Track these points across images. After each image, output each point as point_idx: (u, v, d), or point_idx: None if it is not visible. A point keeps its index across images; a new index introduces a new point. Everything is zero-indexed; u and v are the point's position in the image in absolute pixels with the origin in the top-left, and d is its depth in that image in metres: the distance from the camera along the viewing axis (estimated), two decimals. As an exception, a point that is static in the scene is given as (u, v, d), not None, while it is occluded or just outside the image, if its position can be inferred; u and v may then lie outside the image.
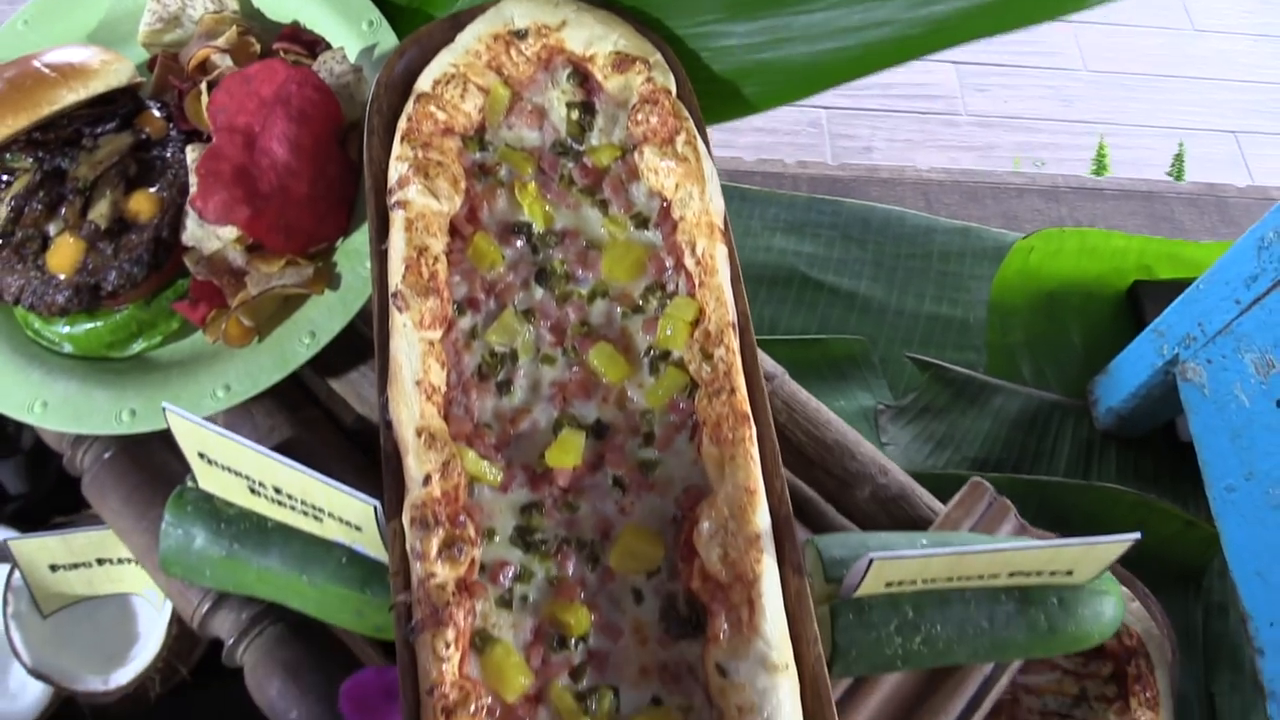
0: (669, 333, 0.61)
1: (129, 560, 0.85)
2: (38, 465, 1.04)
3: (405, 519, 0.55)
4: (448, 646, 0.53)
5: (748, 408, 0.57)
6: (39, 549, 0.83)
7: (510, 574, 0.57)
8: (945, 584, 0.57)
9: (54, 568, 0.85)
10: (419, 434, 0.56)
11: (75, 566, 0.85)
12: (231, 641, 0.64)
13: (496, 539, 0.58)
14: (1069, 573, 0.56)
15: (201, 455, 0.59)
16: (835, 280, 1.21)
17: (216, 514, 0.62)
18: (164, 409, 0.57)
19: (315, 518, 0.60)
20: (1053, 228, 1.22)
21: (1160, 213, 1.28)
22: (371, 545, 0.59)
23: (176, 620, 0.86)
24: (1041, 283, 1.19)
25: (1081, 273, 1.21)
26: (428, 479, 0.55)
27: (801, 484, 0.71)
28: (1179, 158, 1.98)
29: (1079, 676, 0.94)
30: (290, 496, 0.59)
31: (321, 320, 0.68)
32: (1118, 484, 1.09)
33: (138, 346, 0.71)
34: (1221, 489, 0.93)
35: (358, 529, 0.58)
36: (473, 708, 0.52)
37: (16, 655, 0.86)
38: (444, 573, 0.54)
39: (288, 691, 0.62)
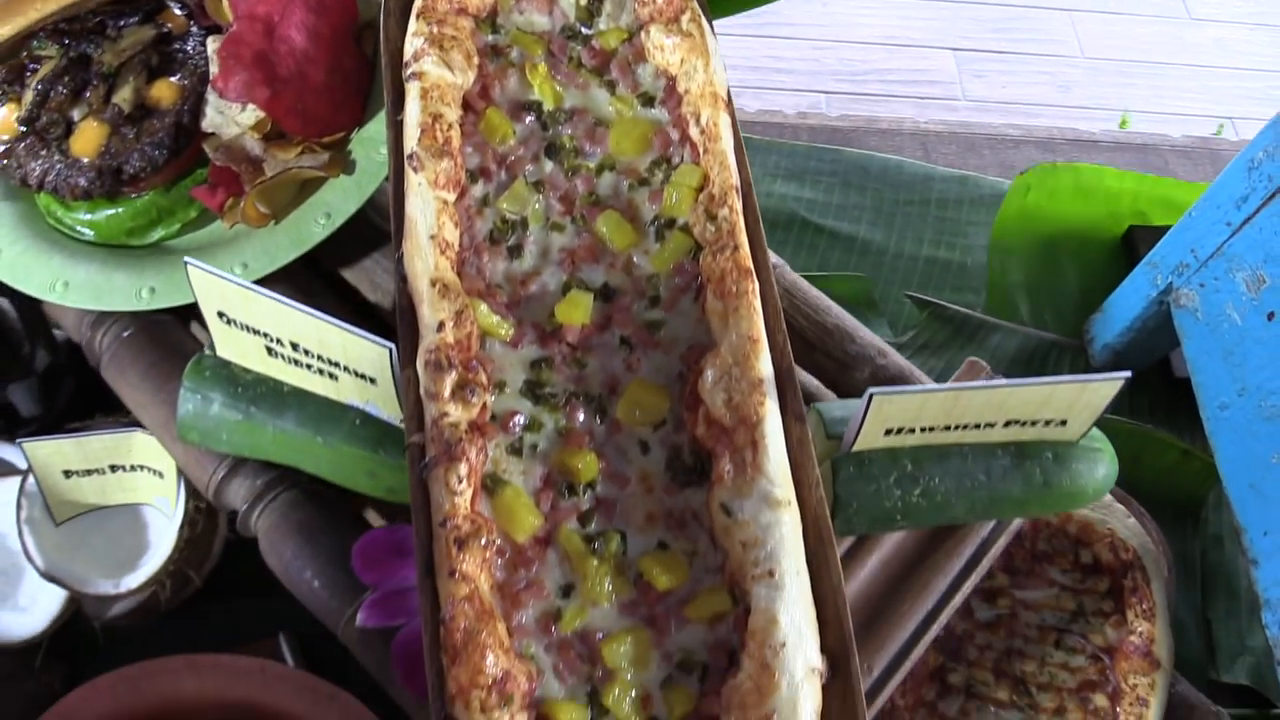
0: (674, 200, 0.63)
1: (141, 467, 0.86)
2: (51, 387, 1.06)
3: (419, 363, 0.57)
4: (460, 481, 0.54)
5: (750, 263, 0.59)
6: (54, 453, 0.85)
7: (520, 423, 0.58)
8: (943, 437, 0.59)
9: (68, 474, 0.87)
10: (433, 284, 0.58)
11: (89, 473, 0.87)
12: (246, 508, 0.65)
13: (507, 390, 0.59)
14: (1063, 423, 0.58)
15: (221, 315, 0.61)
16: (835, 225, 1.23)
17: (234, 379, 0.64)
18: (185, 263, 0.58)
19: (330, 375, 0.61)
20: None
21: (1154, 164, 1.30)
22: (385, 402, 0.61)
23: (188, 524, 0.87)
24: (1039, 225, 1.21)
25: (1078, 217, 1.23)
26: (441, 326, 0.57)
27: (802, 371, 0.72)
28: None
29: (1076, 592, 0.96)
30: (307, 353, 0.60)
31: (337, 202, 0.70)
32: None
33: (157, 234, 0.73)
34: (1215, 408, 0.95)
35: (372, 381, 0.60)
36: (483, 541, 0.54)
37: (30, 559, 0.88)
38: (456, 413, 0.56)
39: (302, 553, 0.63)
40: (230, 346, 0.64)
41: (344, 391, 0.62)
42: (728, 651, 0.55)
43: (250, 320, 0.60)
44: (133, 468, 0.87)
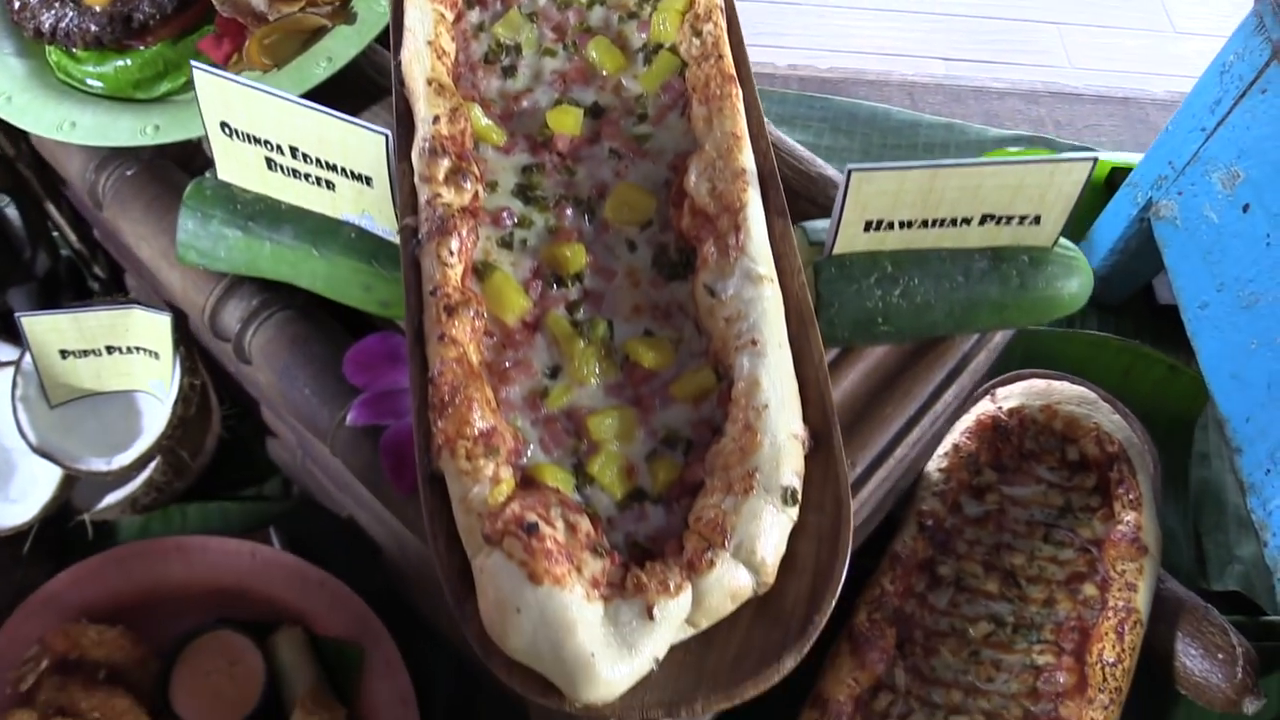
0: (662, 25, 0.65)
1: (138, 349, 0.87)
2: (50, 293, 1.08)
3: (414, 151, 0.58)
4: (451, 254, 0.56)
5: (734, 70, 0.62)
6: (50, 329, 0.86)
7: (511, 219, 0.60)
8: (922, 238, 0.61)
9: (64, 354, 0.88)
10: (429, 83, 0.60)
11: (85, 354, 0.88)
12: (240, 328, 0.66)
13: (498, 190, 0.61)
14: (1036, 220, 0.60)
15: (224, 127, 0.63)
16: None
17: (233, 197, 0.66)
18: (190, 65, 0.61)
19: (328, 185, 0.63)
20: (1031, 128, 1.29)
21: (1136, 115, 1.34)
22: (381, 210, 0.63)
23: (181, 401, 0.88)
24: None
25: (1061, 162, 1.26)
26: (436, 119, 0.59)
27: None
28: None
29: (1064, 489, 0.96)
30: (305, 158, 0.62)
31: (338, 48, 0.72)
32: (1101, 339, 1.12)
33: (163, 87, 0.76)
34: (1196, 309, 0.97)
35: (369, 183, 0.61)
36: (472, 312, 0.55)
37: (22, 435, 0.88)
38: (449, 195, 0.57)
39: (294, 363, 0.64)
40: (231, 166, 0.66)
41: (340, 204, 0.64)
42: (712, 428, 0.56)
43: (252, 127, 0.62)
44: (129, 350, 0.88)
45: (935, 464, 0.95)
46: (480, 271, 0.58)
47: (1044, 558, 0.94)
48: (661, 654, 0.50)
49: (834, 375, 0.63)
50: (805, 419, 0.55)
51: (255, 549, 0.90)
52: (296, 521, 0.98)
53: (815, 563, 0.53)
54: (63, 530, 0.97)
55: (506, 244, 0.60)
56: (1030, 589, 0.93)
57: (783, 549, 0.52)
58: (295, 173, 0.64)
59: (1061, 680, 0.88)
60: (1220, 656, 0.91)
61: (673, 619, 0.50)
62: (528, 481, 0.53)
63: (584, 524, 0.51)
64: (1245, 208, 0.90)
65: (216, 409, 0.98)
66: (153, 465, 0.92)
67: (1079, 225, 1.19)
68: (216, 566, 0.90)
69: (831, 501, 0.53)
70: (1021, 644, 0.91)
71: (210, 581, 0.90)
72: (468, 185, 0.58)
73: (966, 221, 0.60)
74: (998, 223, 0.60)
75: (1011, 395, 0.97)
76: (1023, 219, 0.60)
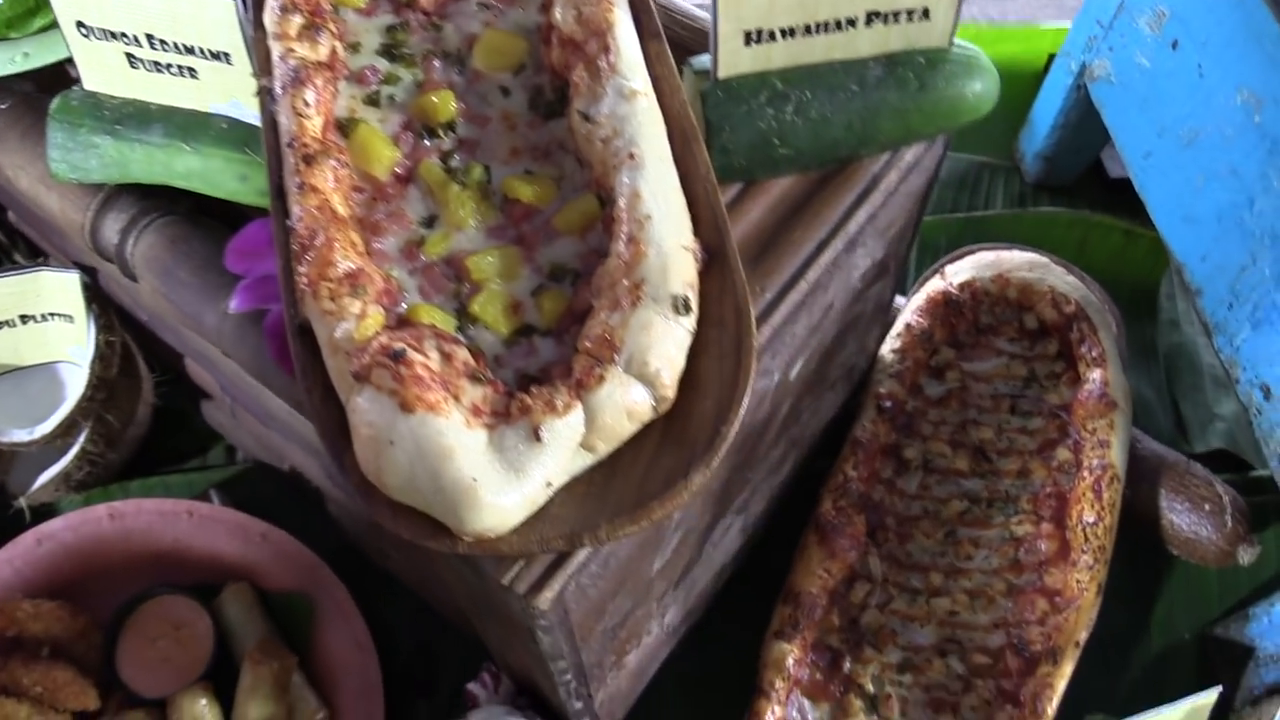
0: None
1: (52, 315, 0.85)
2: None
3: (265, 13, 0.56)
4: (308, 105, 0.53)
5: (596, -97, 0.59)
6: (-39, 302, 0.83)
7: (376, 76, 0.57)
8: (809, 50, 0.58)
9: (-22, 330, 0.85)
10: (277, -53, 0.57)
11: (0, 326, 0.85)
12: (120, 240, 0.64)
13: (362, 51, 0.58)
14: (925, 14, 0.57)
15: (80, 27, 0.61)
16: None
17: (100, 105, 0.63)
18: (33, -40, 0.58)
19: (191, 73, 0.61)
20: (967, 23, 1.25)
21: (1072, 5, 1.31)
22: (247, 94, 0.60)
23: (99, 360, 0.85)
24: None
25: (998, 55, 1.23)
26: (286, -20, 0.56)
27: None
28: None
29: (1026, 359, 0.93)
30: (163, 44, 0.60)
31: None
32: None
33: (36, 23, 0.73)
34: (1141, 161, 0.93)
35: (228, 60, 0.59)
36: (333, 162, 0.52)
37: (-57, 414, 0.85)
38: (304, 50, 0.55)
39: (175, 264, 0.62)
40: (95, 73, 0.63)
41: (207, 94, 0.62)
42: (600, 257, 0.52)
43: (105, 20, 0.60)
44: (43, 317, 0.85)
45: (889, 345, 0.92)
46: (345, 127, 0.55)
47: (1013, 429, 0.90)
48: (556, 480, 0.47)
49: (740, 208, 0.60)
50: (697, 235, 0.52)
51: (192, 507, 0.87)
52: (240, 484, 0.95)
53: (719, 378, 0.49)
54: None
55: (373, 101, 0.57)
56: (1002, 462, 0.89)
57: (680, 362, 0.49)
58: (157, 65, 0.61)
59: (1043, 548, 0.84)
60: (1207, 508, 0.87)
61: (563, 441, 0.46)
62: (404, 324, 0.50)
63: (461, 353, 0.48)
64: (1174, 44, 0.87)
65: (147, 376, 0.95)
66: (83, 437, 0.90)
67: (1020, 119, 1.16)
68: (153, 530, 0.86)
69: (732, 314, 0.50)
70: (998, 518, 0.87)
71: (149, 546, 0.86)
72: (322, 40, 0.55)
73: (852, 24, 0.57)
74: (885, 22, 0.57)
75: (961, 270, 0.94)
76: (910, 13, 0.57)
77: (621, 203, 0.51)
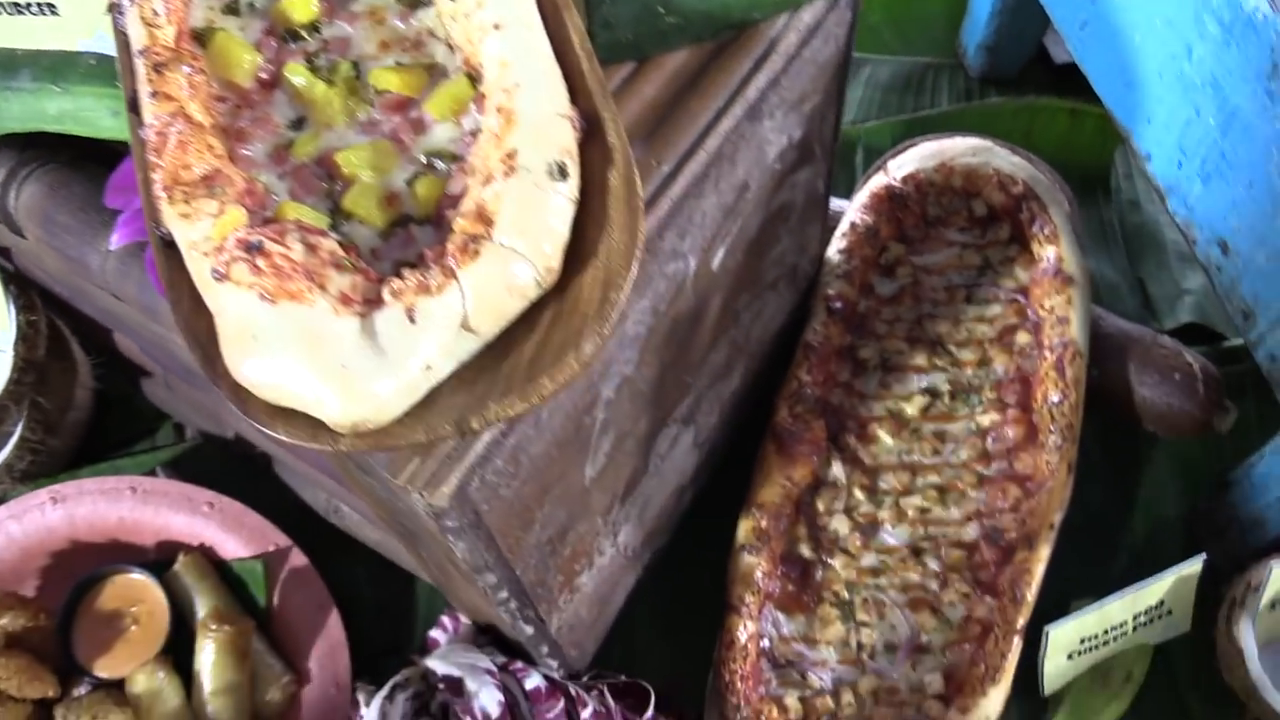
0: None
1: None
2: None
3: (107, -73, 0.53)
4: (157, 14, 0.51)
5: None
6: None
7: (231, -18, 0.55)
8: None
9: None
10: None
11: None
12: (0, 194, 0.61)
13: (216, -40, 0.56)
14: None
15: (-72, -27, 0.58)
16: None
17: (-37, 57, 0.61)
18: None
19: (51, 10, 0.58)
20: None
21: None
22: (109, 26, 0.58)
23: (23, 341, 0.82)
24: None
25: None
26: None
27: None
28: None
29: (979, 248, 0.90)
30: (15, -19, 0.57)
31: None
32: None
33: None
34: (1076, 32, 0.90)
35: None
36: (187, 69, 0.50)
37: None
38: (149, -40, 0.52)
39: (56, 209, 0.59)
40: (-45, 24, 0.61)
41: (71, 30, 0.59)
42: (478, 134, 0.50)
43: (-49, -41, 0.57)
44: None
45: (835, 247, 0.89)
46: (202, 37, 0.53)
47: (971, 319, 0.87)
48: (437, 364, 0.44)
49: (633, 87, 0.57)
50: (575, 104, 0.49)
51: (135, 483, 0.84)
52: (188, 460, 0.93)
53: (609, 248, 0.46)
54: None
55: (232, 10, 0.54)
56: (962, 353, 0.86)
57: (562, 233, 0.46)
58: (16, 7, 0.59)
59: (1010, 435, 0.82)
60: (1177, 377, 0.84)
61: (440, 322, 0.44)
62: (268, 224, 0.47)
63: (327, 243, 0.45)
64: (1097, -99, 0.84)
65: (83, 360, 0.93)
66: (20, 425, 0.87)
67: (959, 7, 1.13)
68: (98, 510, 0.84)
69: (620, 182, 0.47)
70: (963, 410, 0.84)
71: (96, 526, 0.84)
72: (170, -55, 0.53)
73: None
74: None
75: (904, 163, 0.90)
76: None
77: (489, 75, 0.48)
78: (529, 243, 0.45)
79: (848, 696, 0.77)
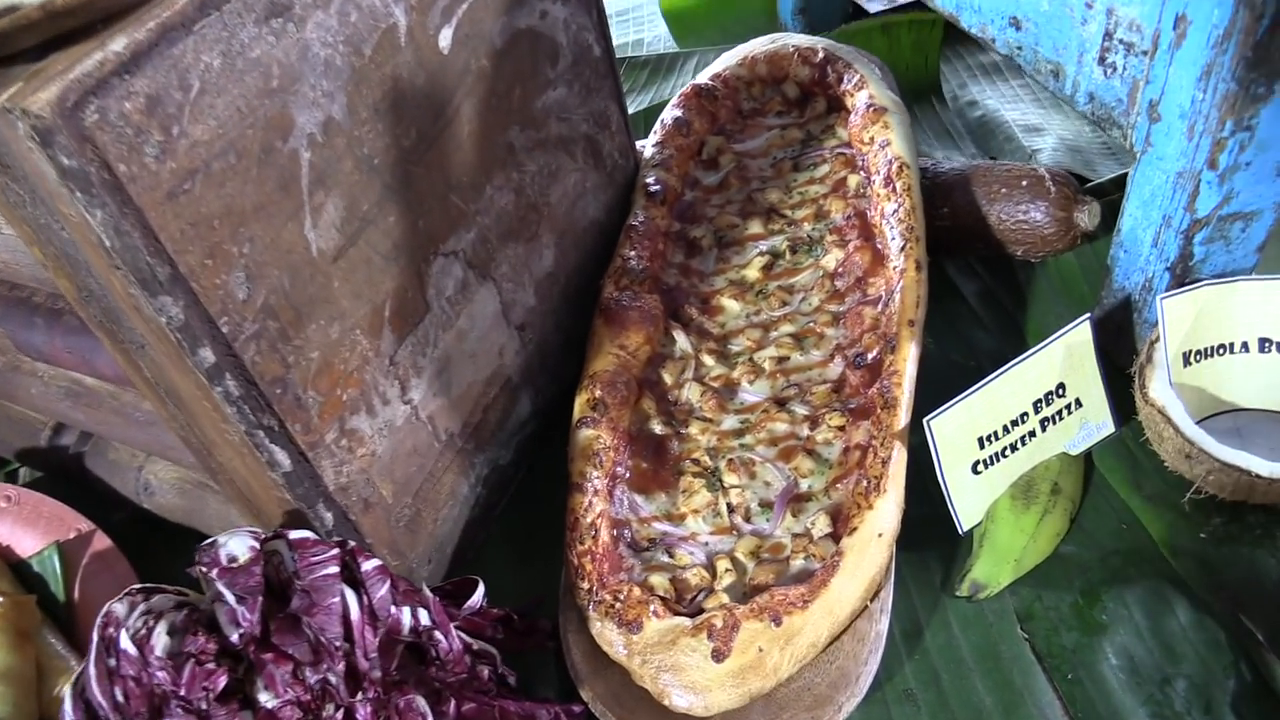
0: None
1: None
2: None
3: None
4: None
5: None
6: None
7: None
8: None
9: None
10: None
11: None
12: None
13: None
14: None
15: None
16: None
17: None
18: None
19: None
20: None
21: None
22: None
23: None
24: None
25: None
26: None
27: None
28: None
29: (800, 125, 0.87)
30: None
31: None
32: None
33: None
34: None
35: None
36: None
37: None
38: None
39: None
40: None
41: None
42: None
43: None
44: None
45: (649, 142, 0.86)
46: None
47: (802, 184, 0.82)
48: None
49: None
50: None
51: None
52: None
53: None
54: None
55: None
56: (797, 213, 0.81)
57: None
58: None
59: (858, 262, 0.74)
60: (1025, 184, 0.78)
61: None
62: None
63: None
64: None
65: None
66: None
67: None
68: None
69: None
70: (807, 260, 0.78)
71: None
72: None
73: None
74: None
75: (711, 68, 0.90)
76: None
77: None
78: None
79: (724, 564, 0.64)
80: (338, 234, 0.55)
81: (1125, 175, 0.87)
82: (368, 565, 0.55)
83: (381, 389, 0.61)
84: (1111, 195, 0.85)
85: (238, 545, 0.53)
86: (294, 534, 0.55)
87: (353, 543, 0.56)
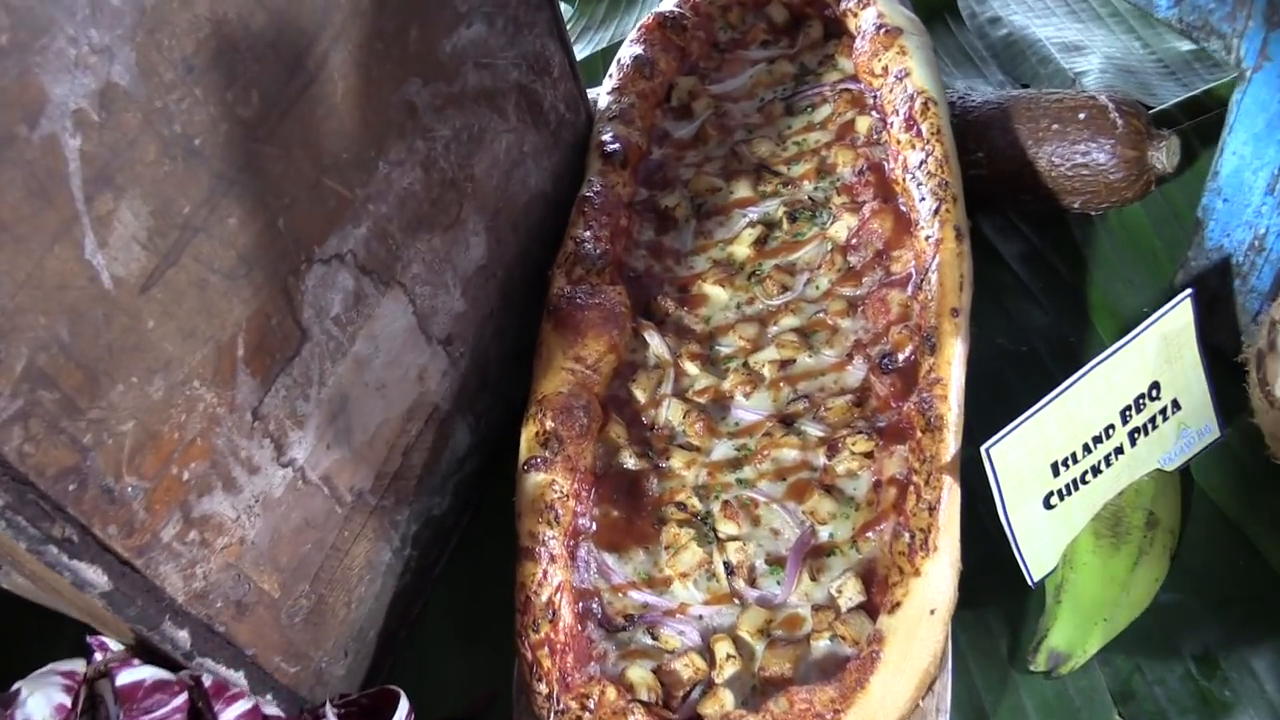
0: None
1: None
2: None
3: None
4: None
5: None
6: None
7: None
8: None
9: None
10: None
11: None
12: None
13: None
14: None
15: None
16: None
17: None
18: None
19: None
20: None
21: None
22: None
23: None
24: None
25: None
26: None
27: None
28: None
29: (791, 57, 0.70)
30: None
31: None
32: None
33: None
34: None
35: None
36: None
37: None
38: None
39: None
40: None
41: None
42: None
43: None
44: None
45: (603, 92, 0.68)
46: None
47: (799, 131, 0.66)
48: None
49: None
50: None
51: None
52: None
53: None
54: None
55: None
56: (794, 169, 0.64)
57: None
58: None
59: (876, 230, 0.58)
60: (1082, 117, 0.61)
61: None
62: None
63: None
64: None
65: None
66: None
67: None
68: None
69: None
70: (810, 230, 0.61)
71: None
72: None
73: None
74: None
75: (675, -5, 0.72)
76: None
77: None
78: None
79: (725, 647, 0.48)
80: (143, 252, 0.39)
81: (1194, 100, 0.72)
82: (229, 714, 0.39)
83: (244, 454, 0.44)
84: (1180, 125, 0.68)
85: (38, 706, 0.38)
86: (124, 677, 0.39)
87: (209, 677, 0.40)
